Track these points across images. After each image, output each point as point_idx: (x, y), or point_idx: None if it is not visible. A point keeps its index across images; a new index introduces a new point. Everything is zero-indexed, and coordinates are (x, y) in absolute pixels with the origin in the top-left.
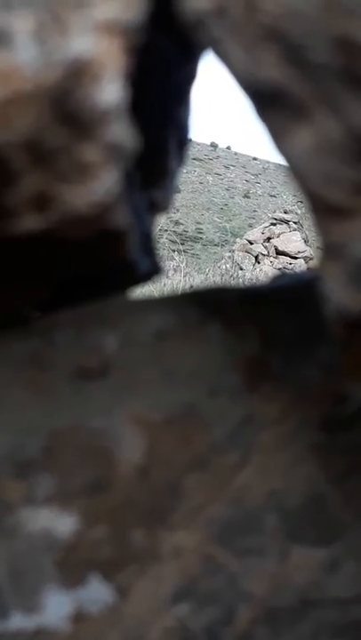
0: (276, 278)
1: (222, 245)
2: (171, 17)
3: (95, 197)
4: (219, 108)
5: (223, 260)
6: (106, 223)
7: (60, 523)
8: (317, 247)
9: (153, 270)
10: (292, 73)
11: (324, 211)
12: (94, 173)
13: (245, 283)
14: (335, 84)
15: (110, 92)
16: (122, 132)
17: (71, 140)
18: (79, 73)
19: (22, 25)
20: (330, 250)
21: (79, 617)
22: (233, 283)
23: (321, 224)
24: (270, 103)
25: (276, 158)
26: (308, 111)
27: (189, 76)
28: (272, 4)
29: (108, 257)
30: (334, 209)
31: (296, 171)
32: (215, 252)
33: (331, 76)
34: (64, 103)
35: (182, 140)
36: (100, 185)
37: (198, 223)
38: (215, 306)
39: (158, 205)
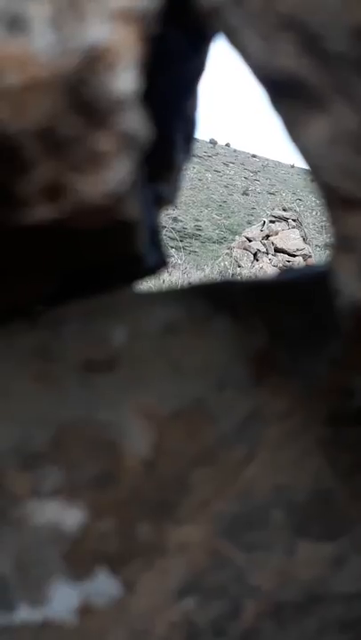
0: (283, 272)
1: (221, 242)
2: (181, 8)
3: (108, 187)
4: (218, 104)
5: (222, 258)
6: (118, 214)
7: (67, 516)
8: (316, 245)
9: (159, 264)
10: (309, 62)
11: (338, 202)
12: (108, 163)
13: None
14: (353, 75)
15: (125, 80)
16: (135, 122)
17: (85, 128)
18: (95, 61)
19: (39, 11)
20: (343, 242)
21: (85, 610)
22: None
23: (334, 216)
24: (286, 93)
25: (276, 156)
26: (325, 101)
27: (198, 70)
28: None
29: (117, 249)
30: (349, 201)
31: (310, 161)
32: (214, 250)
33: (348, 66)
34: (79, 91)
35: (189, 134)
36: (113, 175)
37: (197, 220)
38: (223, 299)
39: (164, 199)
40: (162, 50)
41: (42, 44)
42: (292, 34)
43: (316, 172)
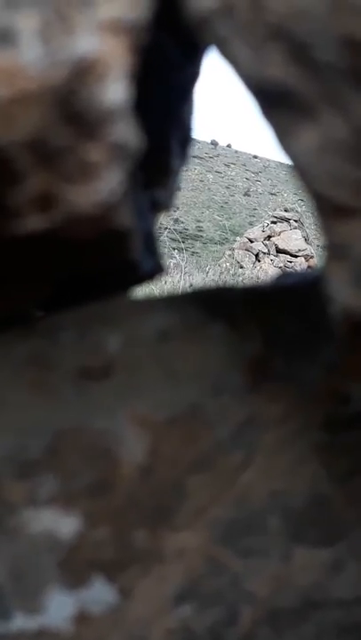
0: (279, 278)
1: (222, 244)
2: (174, 16)
3: (99, 197)
4: (219, 105)
5: (223, 259)
6: (110, 223)
7: (63, 523)
8: (318, 246)
9: (156, 270)
10: (298, 72)
11: (329, 211)
12: (99, 173)
13: (246, 281)
14: (342, 84)
15: (115, 91)
16: (126, 132)
17: (76, 139)
18: (84, 72)
19: (27, 23)
20: (334, 250)
21: (82, 618)
22: (233, 281)
23: (326, 224)
24: (276, 103)
25: (277, 156)
26: (314, 111)
27: (192, 76)
28: (279, 3)
29: (111, 257)
30: (340, 209)
31: (301, 170)
32: (215, 251)
33: (337, 76)
34: (69, 103)
35: (185, 140)
36: (104, 185)
37: (198, 221)
38: (218, 306)
39: (161, 204)
40: (156, 58)
41: (31, 57)
42: (280, 44)
43: (308, 181)
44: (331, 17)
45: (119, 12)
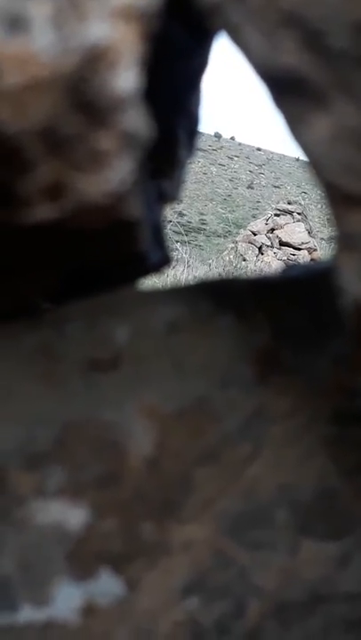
0: (287, 269)
1: (226, 236)
2: (184, 3)
3: (110, 187)
4: (223, 98)
5: (227, 251)
6: (120, 213)
7: (71, 515)
8: (321, 239)
9: (163, 261)
10: (311, 59)
11: (340, 200)
12: (109, 162)
13: (249, 274)
14: (354, 71)
15: (126, 79)
16: (137, 121)
17: (86, 127)
18: (96, 59)
19: (40, 10)
20: (346, 240)
21: (89, 610)
22: (236, 274)
23: (337, 214)
24: (288, 90)
25: (281, 149)
26: (327, 98)
27: (201, 65)
28: None
29: (120, 247)
30: (351, 198)
31: (313, 159)
32: (219, 243)
33: (350, 63)
34: (80, 90)
35: (192, 130)
36: (114, 174)
37: (202, 214)
38: (226, 298)
39: (167, 196)
40: (165, 46)
41: (43, 44)
42: (293, 30)
43: (319, 170)
44: (343, 3)
45: None
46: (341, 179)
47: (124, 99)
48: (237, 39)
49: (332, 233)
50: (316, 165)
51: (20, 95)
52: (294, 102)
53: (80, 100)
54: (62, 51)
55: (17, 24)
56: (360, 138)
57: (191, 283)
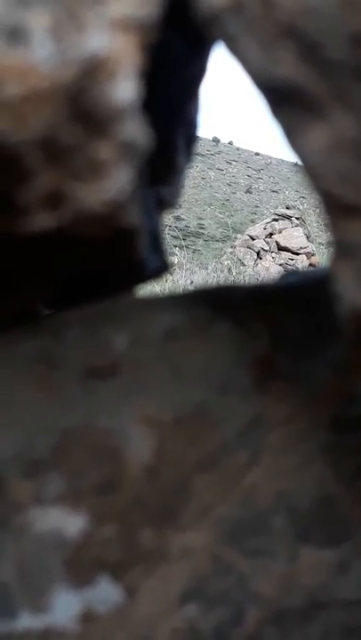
0: (285, 276)
1: (224, 241)
2: (182, 12)
3: (108, 196)
4: (221, 102)
5: (225, 256)
6: (118, 222)
7: (69, 522)
8: (320, 243)
9: (161, 268)
10: (308, 70)
11: (337, 209)
12: (108, 171)
13: (247, 278)
14: (352, 82)
15: (125, 89)
16: (135, 130)
17: (85, 137)
18: (95, 70)
19: (39, 22)
20: (342, 249)
21: (87, 617)
22: (235, 278)
23: (334, 223)
24: (285, 101)
25: (279, 154)
26: (324, 109)
27: (199, 73)
28: (289, 0)
29: (118, 255)
30: (348, 207)
31: (310, 169)
32: (217, 248)
33: (347, 74)
34: (79, 101)
35: (190, 137)
36: (113, 183)
37: (200, 219)
38: (225, 304)
39: (165, 202)
40: (163, 54)
41: (42, 55)
42: (291, 42)
43: (316, 180)
44: (341, 15)
45: (130, 9)
46: (339, 189)
47: (122, 109)
48: (235, 50)
49: (330, 239)
50: (314, 175)
51: (20, 106)
52: (292, 113)
53: (79, 110)
54: (61, 62)
55: (16, 35)
56: (357, 148)
57: (189, 289)
